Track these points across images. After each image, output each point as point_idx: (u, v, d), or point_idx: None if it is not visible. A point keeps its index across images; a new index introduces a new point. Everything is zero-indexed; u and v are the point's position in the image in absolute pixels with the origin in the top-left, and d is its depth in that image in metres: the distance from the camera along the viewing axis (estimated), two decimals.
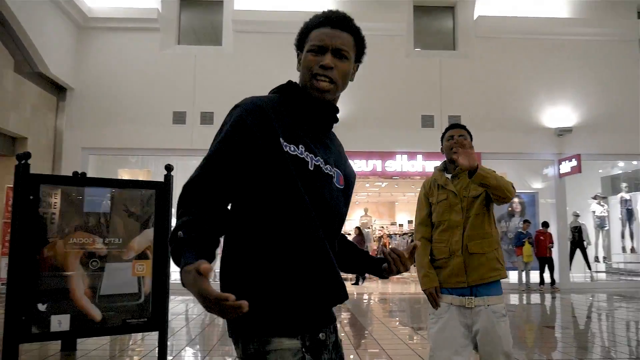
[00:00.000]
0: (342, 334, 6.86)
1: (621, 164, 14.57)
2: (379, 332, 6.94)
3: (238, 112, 1.39)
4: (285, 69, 14.44)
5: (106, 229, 4.13)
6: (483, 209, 2.87)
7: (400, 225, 20.22)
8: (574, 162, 12.08)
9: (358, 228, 14.66)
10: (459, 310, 2.77)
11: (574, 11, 12.83)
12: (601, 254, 14.27)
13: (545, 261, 12.11)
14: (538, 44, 12.60)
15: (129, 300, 4.16)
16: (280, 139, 1.35)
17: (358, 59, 1.54)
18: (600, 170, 14.97)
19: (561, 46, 12.63)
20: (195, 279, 1.07)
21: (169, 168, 4.46)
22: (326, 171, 1.44)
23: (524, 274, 12.17)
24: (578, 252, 13.08)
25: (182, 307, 9.05)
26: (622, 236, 13.72)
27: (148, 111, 11.87)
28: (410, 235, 15.84)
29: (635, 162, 14.05)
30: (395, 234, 17.48)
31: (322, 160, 1.44)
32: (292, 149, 1.37)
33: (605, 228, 13.92)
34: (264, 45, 12.24)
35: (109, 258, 4.12)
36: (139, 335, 6.20)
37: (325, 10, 1.52)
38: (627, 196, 13.78)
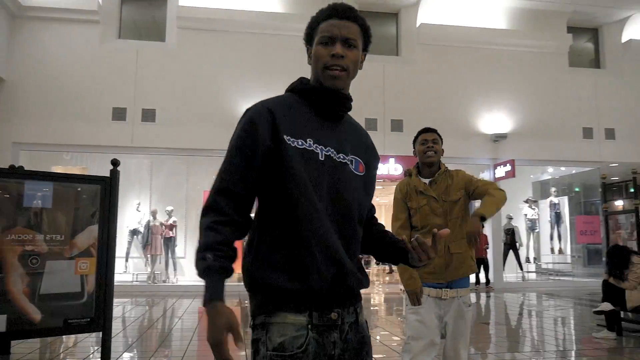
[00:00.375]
0: None
1: (550, 169, 15.37)
2: None
3: (248, 116, 1.48)
4: (229, 67, 14.51)
5: (47, 225, 3.95)
6: (462, 211, 3.06)
7: None
8: (508, 167, 12.63)
9: None
10: (435, 302, 3.02)
11: (511, 23, 13.43)
12: (532, 255, 14.99)
13: (481, 262, 12.58)
14: (477, 52, 13.10)
15: (71, 299, 3.99)
16: (285, 136, 1.43)
17: (365, 48, 1.60)
18: (531, 176, 15.73)
19: (499, 56, 13.19)
20: (220, 327, 1.23)
21: (115, 163, 4.31)
22: (339, 160, 1.50)
23: None
24: (511, 253, 13.69)
25: (119, 309, 8.76)
26: (551, 238, 14.46)
27: (86, 106, 11.42)
28: None
29: (563, 168, 14.87)
30: None
31: (333, 150, 1.50)
32: (300, 143, 1.45)
33: (536, 230, 14.63)
34: (209, 42, 12.07)
35: (50, 255, 3.94)
36: (79, 337, 5.97)
37: (331, 3, 1.56)
38: (555, 200, 14.55)
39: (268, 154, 1.42)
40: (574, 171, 14.77)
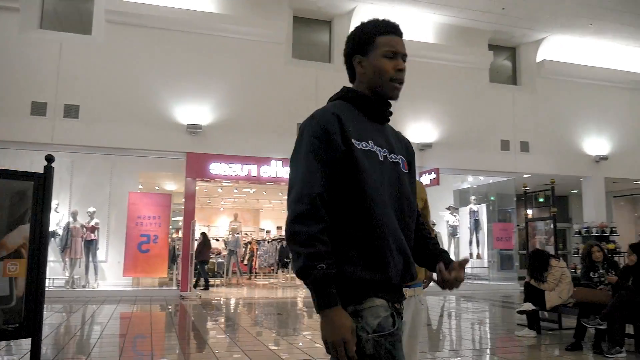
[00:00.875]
0: (211, 340, 6.78)
1: (470, 178, 16.17)
2: (244, 339, 6.95)
3: (317, 122, 1.57)
4: (160, 65, 14.07)
5: None
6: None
7: (268, 231, 20.37)
8: (433, 175, 13.16)
9: (203, 234, 14.31)
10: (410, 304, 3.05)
11: (438, 37, 14.02)
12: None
13: None
14: (407, 63, 13.52)
15: None
16: (353, 139, 1.56)
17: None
18: (453, 184, 16.46)
19: (426, 68, 13.68)
20: (346, 328, 1.41)
21: (49, 159, 4.10)
22: (391, 159, 1.65)
23: None
24: None
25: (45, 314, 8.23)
26: (470, 243, 15.20)
27: (1, 99, 10.69)
28: (279, 242, 16.01)
29: (482, 178, 15.69)
30: (264, 240, 17.58)
31: (387, 150, 1.64)
32: (364, 145, 1.58)
33: (457, 236, 15.30)
34: (139, 38, 11.69)
35: None
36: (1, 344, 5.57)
37: (381, 18, 1.73)
38: (475, 208, 15.31)
39: (342, 157, 1.53)
40: (491, 180, 15.61)
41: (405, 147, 1.78)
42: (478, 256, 15.04)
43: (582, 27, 14.11)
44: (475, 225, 15.13)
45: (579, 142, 15.17)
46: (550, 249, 7.57)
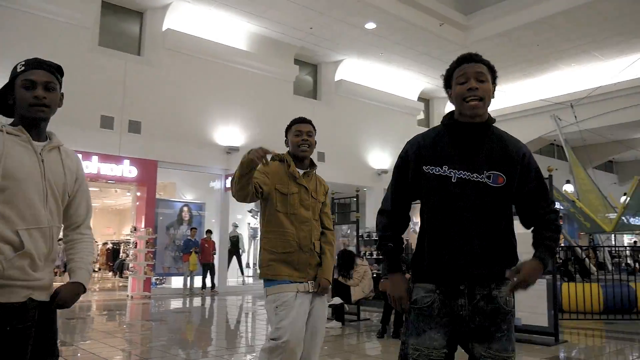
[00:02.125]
0: None
1: None
2: None
3: (405, 148, 2.12)
4: (194, 90, 12.52)
5: None
6: (317, 214, 3.10)
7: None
8: None
9: None
10: (305, 298, 2.90)
11: (250, 46, 14.48)
12: (252, 261, 16.23)
13: (208, 267, 13.11)
14: (219, 67, 13.73)
15: None
16: (424, 166, 2.03)
17: (494, 81, 2.04)
18: None
19: (237, 74, 14.07)
20: (401, 288, 2.08)
21: None
22: (471, 178, 1.99)
23: (188, 279, 12.89)
24: (234, 258, 14.61)
25: None
26: None
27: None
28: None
29: None
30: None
31: (466, 172, 1.99)
32: (437, 170, 2.01)
33: (257, 238, 15.90)
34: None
35: None
36: None
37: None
38: None
39: (414, 176, 2.06)
40: None
41: (509, 159, 2.06)
42: None
43: (374, 55, 16.00)
44: None
45: (365, 155, 17.10)
46: (353, 250, 8.52)
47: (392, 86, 17.85)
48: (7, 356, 1.76)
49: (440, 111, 20.27)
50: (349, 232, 9.08)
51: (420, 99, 19.36)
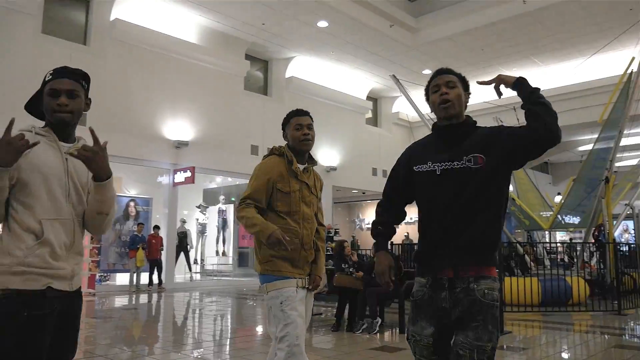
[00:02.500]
0: None
1: (219, 179, 16.81)
2: None
3: (400, 155, 2.45)
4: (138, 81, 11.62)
5: None
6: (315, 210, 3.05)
7: None
8: (188, 174, 13.33)
9: None
10: (302, 294, 2.87)
11: (200, 39, 14.28)
12: (199, 257, 16.05)
13: (155, 263, 12.86)
14: (168, 60, 13.47)
15: None
16: (414, 167, 2.31)
17: (466, 89, 2.32)
18: (203, 183, 16.86)
19: (187, 67, 13.85)
20: (384, 264, 2.30)
21: None
22: (452, 167, 2.19)
23: (135, 275, 12.60)
24: (182, 254, 14.40)
25: None
26: (217, 241, 15.82)
27: None
28: None
29: (230, 179, 16.47)
30: None
31: (447, 162, 2.20)
32: (424, 167, 2.27)
33: (205, 234, 15.75)
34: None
35: None
36: None
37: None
38: (223, 207, 16.00)
39: (408, 177, 2.35)
40: (237, 182, 16.52)
41: (484, 142, 2.23)
42: (224, 253, 15.75)
43: (326, 53, 16.14)
44: (223, 224, 15.82)
45: (314, 152, 17.06)
46: None
47: (342, 84, 18.06)
48: (24, 342, 1.83)
49: (387, 111, 20.69)
50: None
51: (369, 97, 19.68)
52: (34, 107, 2.12)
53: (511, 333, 6.84)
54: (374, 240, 2.44)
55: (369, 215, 24.17)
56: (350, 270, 7.36)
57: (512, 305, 8.82)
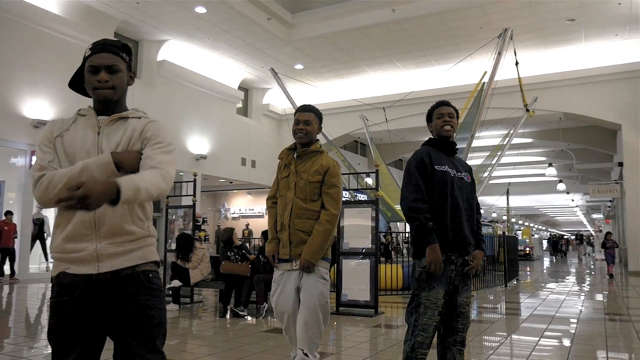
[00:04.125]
0: None
1: None
2: None
3: (415, 159, 3.09)
4: None
5: None
6: (315, 194, 3.26)
7: None
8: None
9: None
10: (292, 275, 3.26)
11: (63, 10, 13.22)
12: None
13: (7, 252, 11.79)
14: (26, 29, 12.30)
15: None
16: (435, 165, 3.05)
17: (457, 117, 3.26)
18: None
19: (50, 40, 12.79)
20: (439, 256, 2.89)
21: None
22: (459, 175, 3.14)
23: None
24: (38, 243, 13.32)
25: None
26: None
27: None
28: None
29: None
30: None
31: (455, 170, 3.12)
32: (443, 167, 3.07)
33: None
34: None
35: None
36: None
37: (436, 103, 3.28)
38: None
39: (431, 172, 3.03)
40: None
41: (467, 167, 3.26)
42: None
43: (200, 40, 15.87)
44: None
45: (185, 140, 16.89)
46: (189, 233, 8.55)
47: (214, 72, 17.89)
48: (52, 327, 1.82)
49: (258, 102, 20.91)
50: (184, 215, 9.06)
51: (240, 87, 19.72)
52: (78, 84, 2.03)
53: (384, 313, 7.55)
54: (424, 232, 2.93)
55: (235, 204, 24.25)
56: (237, 257, 7.55)
57: (379, 290, 9.63)
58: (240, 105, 20.33)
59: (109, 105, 1.95)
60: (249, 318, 6.92)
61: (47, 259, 13.40)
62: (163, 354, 1.86)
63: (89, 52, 1.92)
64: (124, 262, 1.81)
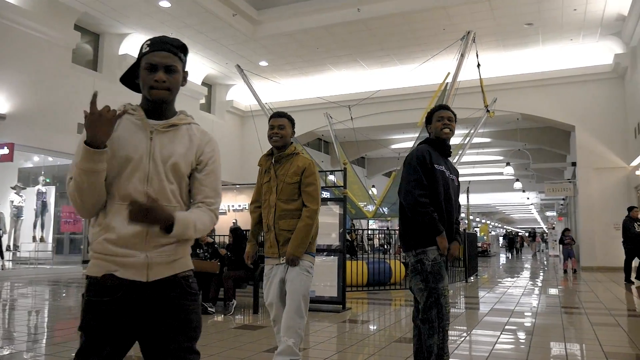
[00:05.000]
0: None
1: (36, 157, 15.29)
2: None
3: (417, 156, 3.35)
4: None
5: None
6: (295, 194, 3.48)
7: None
8: (5, 150, 12.03)
9: None
10: (279, 269, 3.57)
11: (24, 1, 12.84)
12: (13, 243, 14.41)
13: None
14: None
15: None
16: (434, 165, 3.33)
17: (455, 121, 3.53)
18: (19, 161, 15.17)
19: (7, 30, 12.38)
20: (446, 241, 3.29)
21: None
22: (451, 177, 3.46)
23: None
24: None
25: None
26: (35, 226, 14.39)
27: None
28: None
29: (50, 158, 15.11)
30: None
31: (449, 172, 3.44)
32: (440, 167, 3.35)
33: (22, 218, 14.22)
34: None
35: None
36: None
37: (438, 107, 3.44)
38: (43, 189, 14.61)
39: (430, 169, 3.28)
40: (59, 162, 15.24)
41: (455, 171, 3.58)
42: (42, 239, 14.41)
43: (164, 34, 15.49)
44: (42, 207, 14.47)
45: None
46: None
47: None
48: (85, 324, 1.80)
49: (221, 98, 20.76)
50: None
51: (204, 83, 19.54)
52: (129, 79, 1.96)
53: (351, 309, 7.68)
54: (431, 223, 3.23)
55: None
56: (206, 254, 7.53)
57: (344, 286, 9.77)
58: (203, 101, 20.15)
59: (161, 107, 1.90)
60: (216, 315, 6.93)
61: (2, 257, 12.91)
62: (199, 354, 1.92)
63: (147, 48, 1.86)
64: (170, 270, 1.83)
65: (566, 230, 15.67)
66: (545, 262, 24.25)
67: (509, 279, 13.99)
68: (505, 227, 73.19)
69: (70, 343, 5.13)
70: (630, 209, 11.82)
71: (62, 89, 13.75)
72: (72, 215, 14.54)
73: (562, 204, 32.29)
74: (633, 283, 11.31)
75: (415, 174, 3.25)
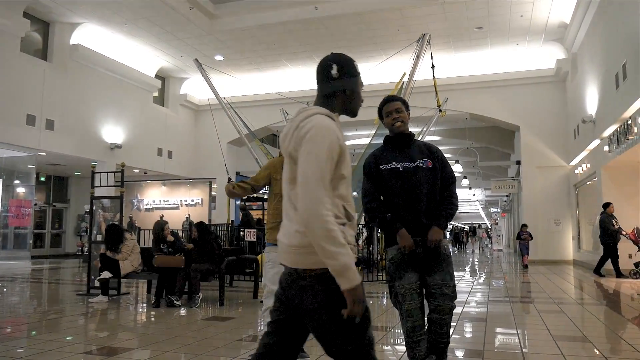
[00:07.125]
0: None
1: None
2: None
3: (363, 166, 3.41)
4: None
5: None
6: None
7: None
8: None
9: None
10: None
11: None
12: None
13: None
14: None
15: None
16: (381, 165, 3.31)
17: (407, 109, 3.40)
18: None
19: None
20: (409, 238, 3.18)
21: None
22: (412, 165, 3.26)
23: None
24: None
25: None
26: None
27: None
28: None
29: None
30: None
31: (409, 161, 3.28)
32: (388, 165, 3.29)
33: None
34: None
35: None
36: None
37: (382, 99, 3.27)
38: None
39: (378, 173, 3.31)
40: (6, 155, 14.69)
41: (428, 154, 3.34)
42: None
43: (118, 25, 15.30)
44: None
45: (99, 128, 16.26)
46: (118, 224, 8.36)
47: (131, 59, 17.32)
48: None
49: (175, 91, 20.49)
50: (111, 206, 8.82)
51: (157, 76, 19.22)
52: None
53: None
54: (385, 225, 3.24)
55: (149, 195, 23.51)
56: (169, 250, 7.55)
57: None
58: (156, 94, 19.82)
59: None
60: (183, 308, 6.97)
61: None
62: None
63: (359, 72, 2.20)
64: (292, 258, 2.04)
65: (524, 226, 15.93)
66: (488, 257, 25.20)
67: (459, 272, 14.51)
68: (451, 223, 75.18)
69: (14, 342, 5.08)
70: (605, 205, 11.84)
71: (9, 78, 13.26)
72: (19, 210, 14.05)
73: (505, 201, 33.64)
74: (603, 276, 11.66)
75: (364, 183, 3.35)
